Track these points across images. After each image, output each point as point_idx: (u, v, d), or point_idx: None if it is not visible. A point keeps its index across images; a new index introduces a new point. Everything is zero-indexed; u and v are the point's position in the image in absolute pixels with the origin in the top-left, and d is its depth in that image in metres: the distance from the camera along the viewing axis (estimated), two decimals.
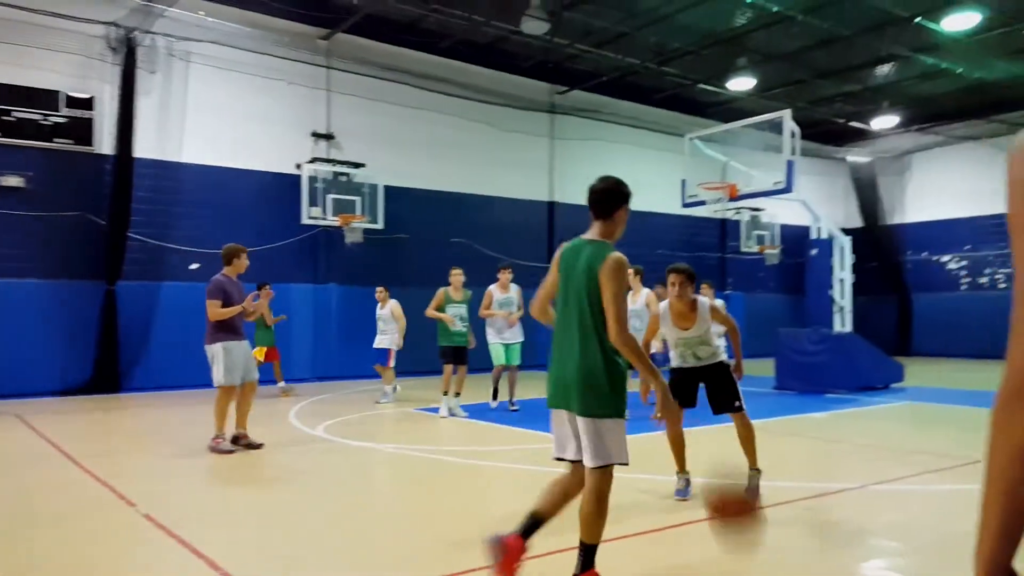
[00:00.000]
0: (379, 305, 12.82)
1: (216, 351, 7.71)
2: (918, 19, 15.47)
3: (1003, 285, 22.17)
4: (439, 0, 15.44)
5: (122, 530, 5.08)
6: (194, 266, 14.99)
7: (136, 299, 14.33)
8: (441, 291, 10.99)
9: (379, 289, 12.94)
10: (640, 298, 11.05)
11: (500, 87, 19.06)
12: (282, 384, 13.31)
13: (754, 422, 6.33)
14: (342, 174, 16.51)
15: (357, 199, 16.47)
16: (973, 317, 22.09)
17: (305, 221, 15.90)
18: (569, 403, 3.69)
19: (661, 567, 4.31)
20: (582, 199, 17.50)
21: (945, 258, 23.76)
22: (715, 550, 4.31)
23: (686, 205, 14.79)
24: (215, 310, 7.65)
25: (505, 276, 10.95)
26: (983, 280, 22.76)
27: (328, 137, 16.82)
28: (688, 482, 5.82)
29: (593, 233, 3.85)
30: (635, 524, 4.98)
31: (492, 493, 6.41)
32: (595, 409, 3.60)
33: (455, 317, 10.79)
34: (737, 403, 5.82)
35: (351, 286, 16.85)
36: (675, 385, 5.87)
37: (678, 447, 5.89)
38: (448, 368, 10.73)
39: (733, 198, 13.54)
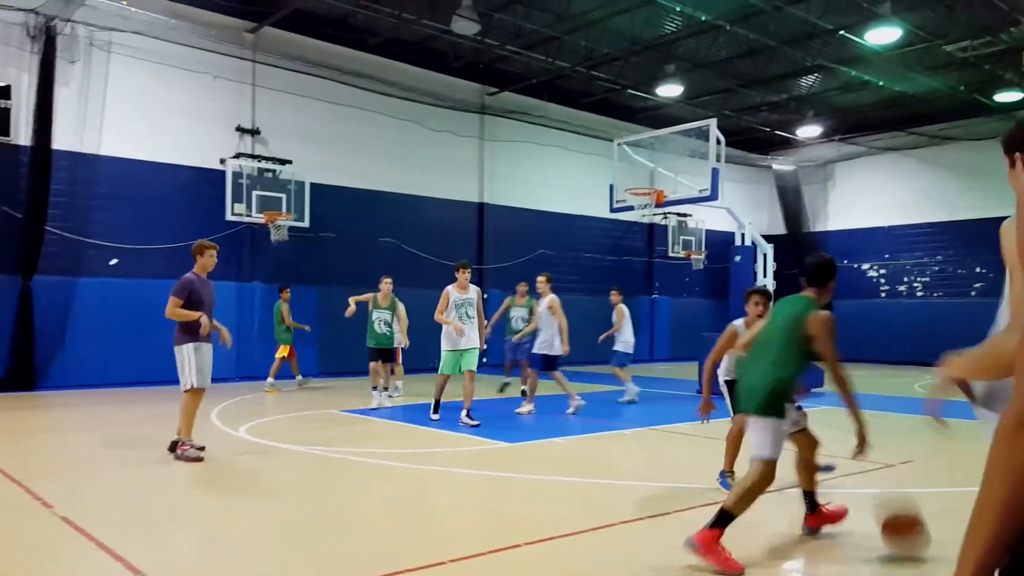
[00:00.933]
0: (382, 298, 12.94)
1: (188, 352, 7.30)
2: (842, 32, 15.91)
3: (920, 293, 23.01)
4: None
5: (37, 533, 4.92)
6: (113, 262, 14.63)
7: (53, 295, 13.94)
8: (371, 296, 11.80)
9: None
10: (544, 302, 11.09)
11: (430, 86, 18.92)
12: (299, 378, 14.53)
13: (677, 426, 6.51)
14: (268, 170, 16.16)
15: (283, 196, 16.15)
16: (891, 324, 22.88)
17: (229, 218, 15.52)
18: (747, 405, 4.69)
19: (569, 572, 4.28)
20: (513, 201, 17.71)
21: (865, 266, 24.56)
22: (618, 556, 4.37)
23: (614, 210, 14.92)
24: (173, 309, 7.26)
25: (464, 275, 9.97)
26: (901, 288, 23.60)
27: (254, 132, 16.43)
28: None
29: (807, 292, 4.82)
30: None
31: (422, 496, 6.30)
32: (758, 409, 4.61)
33: (379, 321, 11.60)
34: None
35: (276, 284, 16.48)
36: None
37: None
38: (374, 365, 11.55)
39: (660, 204, 13.72)
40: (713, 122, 12.58)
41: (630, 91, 20.31)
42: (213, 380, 10.64)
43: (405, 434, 9.33)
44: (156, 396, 12.20)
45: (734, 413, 6.49)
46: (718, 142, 12.38)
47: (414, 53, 18.31)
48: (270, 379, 13.86)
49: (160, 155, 15.30)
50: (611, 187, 14.42)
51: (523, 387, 11.91)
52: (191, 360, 7.29)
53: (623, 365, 12.60)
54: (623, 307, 12.80)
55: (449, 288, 10.00)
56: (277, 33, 16.44)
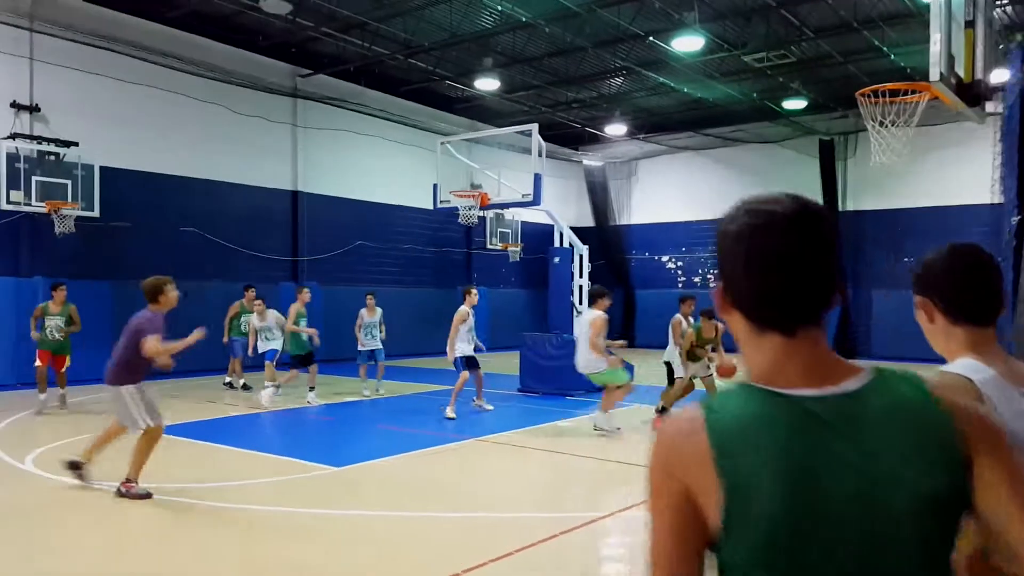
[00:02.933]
0: (256, 317, 13.07)
1: (130, 393, 6.71)
2: (651, 38, 16.61)
3: (712, 284, 24.77)
4: None
5: None
6: None
7: None
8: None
9: (257, 302, 13.27)
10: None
11: (237, 65, 17.74)
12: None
13: (503, 435, 6.55)
14: (50, 153, 14.49)
15: (68, 182, 14.54)
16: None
17: (4, 207, 13.81)
18: None
19: None
20: (329, 189, 17.50)
21: (664, 258, 26.11)
22: None
23: (439, 210, 14.85)
24: (157, 345, 6.56)
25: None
26: (696, 279, 25.32)
27: (32, 109, 14.65)
28: None
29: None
30: None
31: (237, 546, 5.69)
32: None
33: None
34: None
35: (61, 279, 14.85)
36: None
37: None
38: (295, 371, 12.55)
39: (484, 206, 13.76)
40: (535, 127, 12.72)
41: (449, 82, 20.16)
42: None
43: (217, 459, 8.48)
44: None
45: None
46: (540, 153, 12.54)
47: (219, 28, 17.06)
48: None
49: None
50: (435, 186, 14.26)
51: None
52: (136, 401, 6.70)
53: None
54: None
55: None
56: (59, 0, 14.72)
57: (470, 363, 11.47)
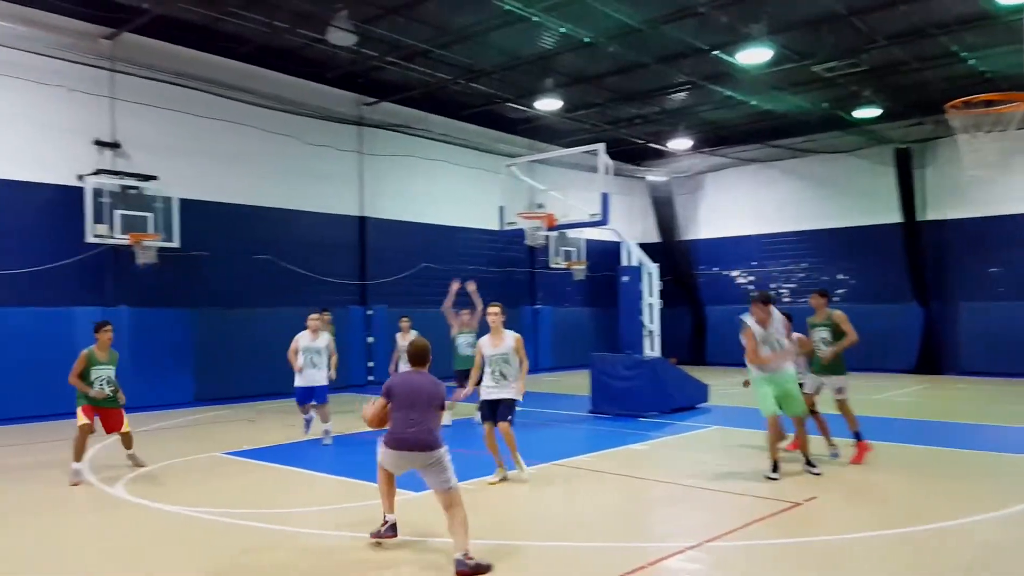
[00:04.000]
0: (310, 335, 10.93)
1: (447, 451, 6.11)
2: (715, 52, 16.39)
3: (787, 299, 24.05)
4: (236, 3, 14.42)
5: None
6: None
7: None
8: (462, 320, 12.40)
9: (314, 316, 11.13)
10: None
11: (304, 96, 18.17)
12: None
13: (576, 459, 7.41)
14: (131, 187, 15.03)
15: (149, 215, 15.05)
16: None
17: (90, 240, 14.35)
18: None
19: None
20: (394, 214, 17.62)
21: (734, 273, 25.62)
22: None
23: (505, 233, 14.93)
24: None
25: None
26: (769, 294, 24.73)
27: (114, 146, 15.24)
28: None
29: None
30: None
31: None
32: None
33: (464, 344, 12.15)
34: None
35: (145, 308, 15.45)
36: None
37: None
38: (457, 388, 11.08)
39: (551, 228, 13.73)
40: (602, 147, 12.61)
41: (510, 104, 20.27)
42: (68, 416, 9.38)
43: (301, 484, 8.54)
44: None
45: None
46: (607, 172, 12.45)
47: (287, 62, 17.54)
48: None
49: (8, 172, 14.02)
50: (501, 209, 14.29)
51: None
52: (450, 459, 6.11)
53: None
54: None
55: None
56: (137, 40, 15.31)
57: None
